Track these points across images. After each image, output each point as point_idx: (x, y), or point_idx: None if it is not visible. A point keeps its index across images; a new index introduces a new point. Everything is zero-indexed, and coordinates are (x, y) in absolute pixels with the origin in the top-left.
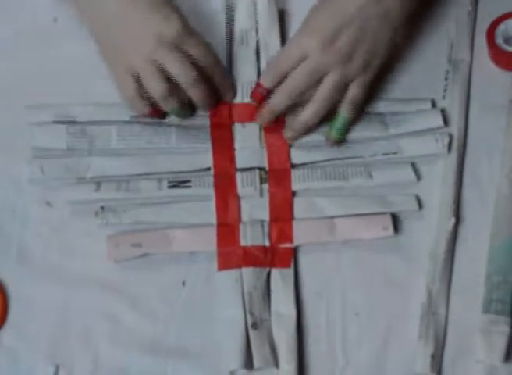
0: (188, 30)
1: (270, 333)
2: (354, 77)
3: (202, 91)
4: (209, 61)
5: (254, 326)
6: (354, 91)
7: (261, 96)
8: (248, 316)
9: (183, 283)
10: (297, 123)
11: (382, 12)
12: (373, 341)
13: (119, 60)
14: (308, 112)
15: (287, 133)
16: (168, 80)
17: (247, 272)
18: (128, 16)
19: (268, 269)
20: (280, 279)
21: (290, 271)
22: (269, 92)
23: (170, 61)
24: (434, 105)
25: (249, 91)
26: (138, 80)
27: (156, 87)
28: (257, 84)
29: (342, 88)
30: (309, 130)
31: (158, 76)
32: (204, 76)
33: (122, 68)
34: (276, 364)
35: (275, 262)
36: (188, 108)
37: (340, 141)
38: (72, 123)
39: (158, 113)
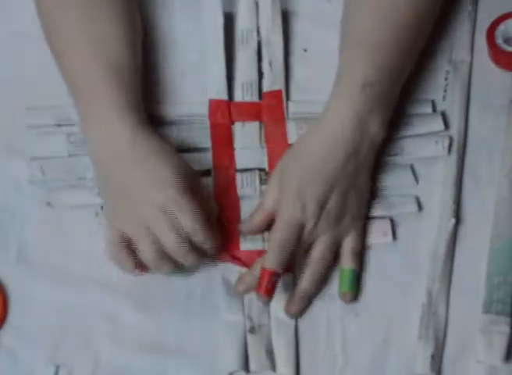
0: (182, 195)
1: (268, 337)
2: (347, 233)
3: (191, 258)
4: (189, 228)
5: (252, 330)
6: (352, 244)
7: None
8: (247, 320)
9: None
10: (298, 294)
11: (361, 161)
12: (373, 341)
13: (115, 223)
14: (306, 280)
15: (291, 308)
16: (160, 244)
17: None
18: (129, 184)
19: None
20: (280, 284)
21: (289, 275)
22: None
23: (158, 228)
24: (434, 107)
25: (249, 91)
26: (128, 242)
27: (145, 253)
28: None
29: (335, 246)
30: (310, 298)
31: (149, 241)
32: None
33: (116, 227)
34: (273, 368)
35: None
36: (184, 268)
37: (355, 293)
38: (72, 125)
39: (145, 270)
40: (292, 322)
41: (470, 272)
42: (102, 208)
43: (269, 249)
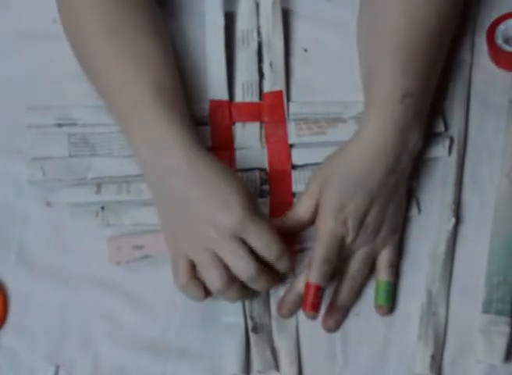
0: (249, 216)
1: (270, 337)
2: (384, 245)
3: (264, 282)
4: (273, 252)
5: (255, 330)
6: (388, 256)
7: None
8: (249, 320)
9: None
10: (336, 308)
11: (401, 173)
12: (373, 341)
13: (176, 244)
14: (344, 294)
15: (329, 322)
16: (227, 269)
17: None
18: (188, 199)
19: None
20: (280, 283)
21: (290, 275)
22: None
23: (227, 253)
24: (434, 108)
25: (249, 91)
26: (193, 267)
27: (212, 280)
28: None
29: (372, 259)
30: (348, 311)
31: (215, 266)
32: (266, 264)
33: (178, 252)
34: (277, 367)
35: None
36: (249, 293)
37: (391, 305)
38: (73, 125)
39: (211, 295)
40: (293, 322)
41: (470, 272)
42: (102, 208)
43: (313, 264)
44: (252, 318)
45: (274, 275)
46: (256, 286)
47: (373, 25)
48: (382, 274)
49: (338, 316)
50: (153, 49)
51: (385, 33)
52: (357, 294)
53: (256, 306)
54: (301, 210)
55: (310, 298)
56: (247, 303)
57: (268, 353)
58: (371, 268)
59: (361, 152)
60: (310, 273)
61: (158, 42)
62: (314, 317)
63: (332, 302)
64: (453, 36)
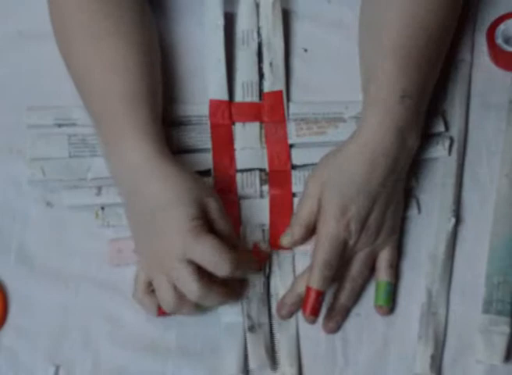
0: (191, 238)
1: (267, 336)
2: (384, 246)
3: (216, 298)
4: (221, 270)
5: (251, 329)
6: (388, 256)
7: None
8: (246, 319)
9: None
10: (337, 310)
11: (399, 173)
12: (373, 341)
13: (139, 258)
14: (345, 296)
15: (330, 324)
16: (178, 292)
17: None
18: (145, 220)
19: (267, 272)
20: (280, 283)
21: (290, 275)
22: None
23: (174, 276)
24: (435, 108)
25: (249, 91)
26: (151, 283)
27: (163, 301)
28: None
29: (372, 261)
30: (348, 312)
31: (166, 289)
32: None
33: (140, 266)
34: (272, 366)
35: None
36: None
37: (391, 306)
38: (73, 125)
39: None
40: (293, 322)
41: (470, 272)
42: (103, 208)
43: (314, 268)
44: (249, 317)
45: (229, 289)
46: (209, 303)
47: (373, 24)
48: (382, 275)
49: (338, 317)
50: (131, 56)
51: (385, 34)
52: (358, 295)
53: (254, 305)
54: (303, 215)
55: (310, 302)
56: (245, 302)
57: (263, 352)
58: (371, 269)
59: (361, 153)
60: (311, 277)
61: (139, 48)
62: (313, 321)
63: (332, 304)
64: (452, 36)
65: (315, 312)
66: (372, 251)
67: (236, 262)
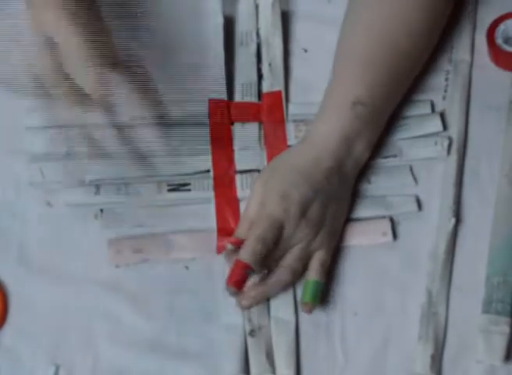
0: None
1: (268, 340)
2: (319, 247)
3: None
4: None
5: (252, 333)
6: (322, 257)
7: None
8: (246, 322)
9: (187, 268)
10: (256, 291)
11: (344, 177)
12: (373, 341)
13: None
14: (269, 283)
15: (243, 302)
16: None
17: None
18: None
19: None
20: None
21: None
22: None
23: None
24: (433, 108)
25: (248, 91)
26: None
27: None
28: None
29: (305, 259)
30: (267, 299)
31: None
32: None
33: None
34: (273, 371)
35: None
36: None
37: (315, 305)
38: (71, 126)
39: None
40: (292, 322)
41: (470, 272)
42: (102, 210)
43: (247, 242)
44: (250, 320)
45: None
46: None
47: (342, 31)
48: (312, 273)
49: (254, 299)
50: None
51: (350, 41)
52: (282, 288)
53: (254, 308)
54: (251, 210)
55: (235, 273)
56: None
57: (264, 358)
58: (303, 267)
59: (306, 148)
60: (242, 250)
61: None
62: (234, 294)
63: (256, 285)
64: (433, 50)
65: (238, 285)
66: (308, 248)
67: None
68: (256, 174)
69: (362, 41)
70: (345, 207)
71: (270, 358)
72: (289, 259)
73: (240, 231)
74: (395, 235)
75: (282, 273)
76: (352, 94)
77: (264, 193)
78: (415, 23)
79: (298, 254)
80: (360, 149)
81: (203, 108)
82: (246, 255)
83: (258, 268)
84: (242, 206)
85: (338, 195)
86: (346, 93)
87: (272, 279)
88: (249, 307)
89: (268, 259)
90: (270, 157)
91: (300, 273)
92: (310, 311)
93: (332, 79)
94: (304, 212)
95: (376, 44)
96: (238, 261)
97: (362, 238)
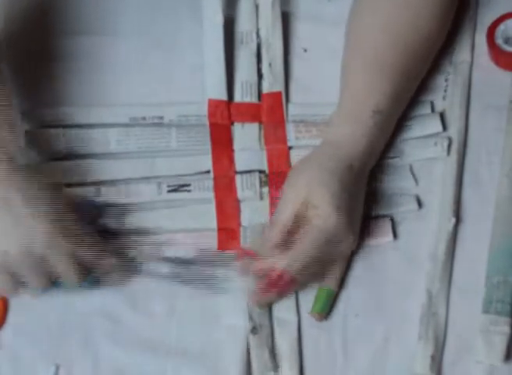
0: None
1: (269, 338)
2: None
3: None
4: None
5: (254, 331)
6: (342, 266)
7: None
8: (248, 320)
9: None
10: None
11: (363, 182)
12: (373, 341)
13: None
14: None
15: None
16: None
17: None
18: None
19: None
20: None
21: None
22: None
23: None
24: (433, 108)
25: (248, 91)
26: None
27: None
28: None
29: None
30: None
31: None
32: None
33: None
34: (275, 368)
35: None
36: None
37: (325, 314)
38: (69, 126)
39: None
40: (294, 322)
41: (470, 272)
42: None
43: (294, 254)
44: (251, 318)
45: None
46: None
47: (354, 33)
48: (330, 282)
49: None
50: None
51: (363, 46)
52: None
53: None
54: (286, 219)
55: (276, 283)
56: (246, 304)
57: (267, 355)
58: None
59: (336, 154)
60: (288, 261)
61: None
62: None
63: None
64: (437, 53)
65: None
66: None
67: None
68: (256, 174)
69: (379, 46)
70: (360, 210)
71: (272, 356)
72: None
73: (271, 235)
74: (395, 235)
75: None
76: (372, 103)
77: (303, 199)
78: (428, 27)
79: (344, 265)
80: (377, 154)
81: (203, 109)
82: (293, 267)
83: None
84: (242, 206)
85: (361, 201)
86: (366, 101)
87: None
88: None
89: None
90: (270, 157)
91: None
92: (319, 319)
93: (346, 83)
94: (351, 225)
95: (393, 50)
96: (283, 273)
97: (363, 238)
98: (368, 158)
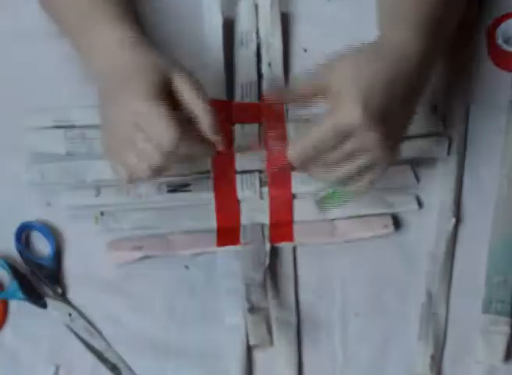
0: (147, 98)
1: (267, 316)
2: (383, 162)
3: (190, 142)
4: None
5: (251, 310)
6: (373, 175)
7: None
8: (245, 302)
9: (187, 268)
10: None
11: (415, 89)
12: (373, 341)
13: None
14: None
15: (292, 151)
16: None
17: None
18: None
19: (267, 262)
20: (281, 271)
21: (290, 273)
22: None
23: (143, 125)
24: (434, 108)
25: (248, 91)
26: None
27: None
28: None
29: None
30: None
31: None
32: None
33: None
34: (272, 342)
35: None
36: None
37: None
38: (72, 127)
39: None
40: (293, 322)
41: (470, 272)
42: (102, 213)
43: (302, 141)
44: (249, 300)
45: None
46: (184, 149)
47: None
48: (353, 188)
49: (303, 152)
50: None
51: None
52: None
53: (254, 290)
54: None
55: (275, 163)
56: (244, 287)
57: (264, 328)
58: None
59: (385, 54)
60: (291, 146)
61: None
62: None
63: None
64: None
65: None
66: (369, 163)
67: (179, 137)
68: (256, 174)
69: None
70: (411, 118)
71: (269, 331)
72: (345, 171)
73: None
74: (396, 230)
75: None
76: (412, 14)
77: (349, 87)
78: None
79: (356, 168)
80: (429, 63)
81: None
82: (293, 155)
83: (301, 169)
84: (242, 207)
85: (409, 110)
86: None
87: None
88: (296, 161)
89: (319, 160)
90: (270, 157)
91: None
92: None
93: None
94: (381, 121)
95: None
96: (281, 154)
97: (363, 232)
98: (422, 59)
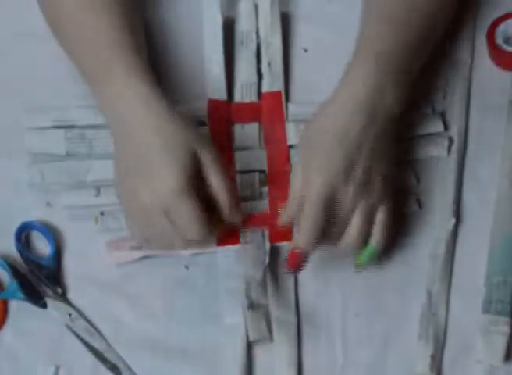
0: (178, 193)
1: (267, 313)
2: (380, 200)
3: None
4: (192, 234)
5: (251, 307)
6: (383, 217)
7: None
8: (245, 299)
9: (187, 268)
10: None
11: (380, 129)
12: (373, 341)
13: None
14: (342, 247)
15: (301, 238)
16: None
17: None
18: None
19: (267, 260)
20: (280, 284)
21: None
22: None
23: (173, 216)
24: (434, 108)
25: (248, 91)
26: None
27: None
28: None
29: (371, 216)
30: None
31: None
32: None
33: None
34: (271, 338)
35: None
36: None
37: (366, 265)
38: (71, 127)
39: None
40: (293, 322)
41: (470, 272)
42: (102, 213)
43: (300, 227)
44: (248, 297)
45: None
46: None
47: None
48: (374, 237)
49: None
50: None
51: (374, 4)
52: (352, 252)
53: (253, 287)
54: (295, 188)
55: (292, 260)
56: (244, 286)
57: (264, 325)
58: (370, 224)
59: (338, 108)
60: (296, 238)
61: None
62: (294, 273)
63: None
64: (452, 18)
65: (297, 267)
66: (367, 209)
67: (207, 232)
68: (256, 174)
69: (386, 2)
70: (391, 155)
71: (268, 327)
72: (354, 229)
73: (290, 211)
74: (395, 236)
75: (351, 240)
76: (375, 49)
77: (304, 170)
78: None
79: (360, 221)
80: (390, 100)
81: (203, 109)
82: (301, 242)
83: (317, 248)
84: (242, 206)
85: (380, 147)
86: (369, 47)
87: (341, 245)
88: (307, 246)
89: (328, 233)
90: (270, 157)
91: (367, 233)
92: (359, 271)
93: (357, 37)
94: (349, 179)
95: (398, 5)
96: (294, 249)
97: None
98: (373, 105)
